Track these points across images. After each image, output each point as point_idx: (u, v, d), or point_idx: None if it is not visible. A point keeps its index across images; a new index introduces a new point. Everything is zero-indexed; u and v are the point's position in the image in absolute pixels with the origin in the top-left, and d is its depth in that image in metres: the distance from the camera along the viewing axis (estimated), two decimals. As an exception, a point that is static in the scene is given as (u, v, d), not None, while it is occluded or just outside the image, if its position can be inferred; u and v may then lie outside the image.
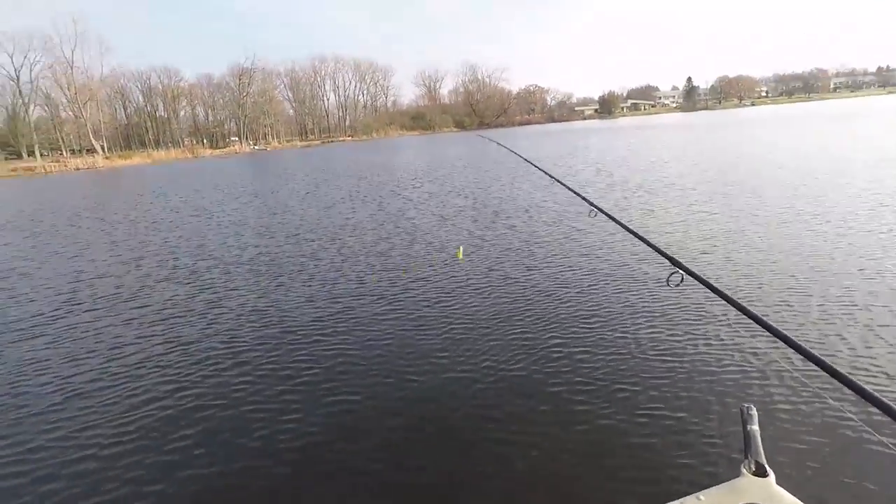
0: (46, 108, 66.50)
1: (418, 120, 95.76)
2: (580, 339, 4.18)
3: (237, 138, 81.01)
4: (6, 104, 64.34)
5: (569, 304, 4.97)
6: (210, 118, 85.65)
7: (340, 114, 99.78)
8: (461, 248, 4.37)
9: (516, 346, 4.14)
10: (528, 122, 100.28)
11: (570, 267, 6.19)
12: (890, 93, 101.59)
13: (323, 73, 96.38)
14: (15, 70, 62.55)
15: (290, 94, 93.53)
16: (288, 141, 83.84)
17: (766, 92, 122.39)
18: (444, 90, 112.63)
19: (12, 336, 5.32)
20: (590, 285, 5.47)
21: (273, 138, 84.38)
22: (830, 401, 2.93)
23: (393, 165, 25.45)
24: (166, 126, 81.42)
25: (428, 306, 5.23)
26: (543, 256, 6.72)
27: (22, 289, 7.22)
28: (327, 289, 6.12)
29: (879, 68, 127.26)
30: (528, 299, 5.18)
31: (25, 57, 62.38)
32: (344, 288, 6.08)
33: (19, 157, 61.47)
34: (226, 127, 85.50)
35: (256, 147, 75.36)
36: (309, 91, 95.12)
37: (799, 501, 1.23)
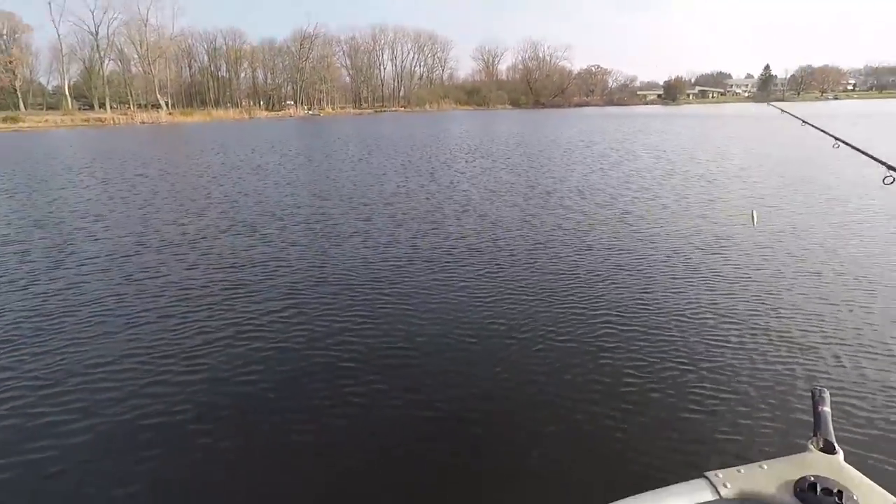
0: (119, 63, 69.86)
1: (473, 95, 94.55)
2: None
3: (292, 102, 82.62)
4: (84, 57, 68.07)
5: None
6: (269, 81, 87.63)
7: (395, 84, 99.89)
8: (755, 212, 4.26)
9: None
10: (586, 104, 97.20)
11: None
12: None
13: (382, 42, 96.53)
14: (94, 25, 65.91)
15: (348, 62, 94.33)
16: (341, 108, 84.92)
17: (854, 85, 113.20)
18: (503, 66, 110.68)
19: (90, 269, 5.69)
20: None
21: (327, 104, 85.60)
22: None
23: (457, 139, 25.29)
24: (227, 86, 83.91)
25: (482, 275, 5.24)
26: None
27: (96, 230, 7.69)
28: (385, 248, 6.24)
29: None
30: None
31: (105, 13, 65.56)
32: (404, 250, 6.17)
33: (91, 108, 65.13)
34: (283, 90, 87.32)
35: (310, 112, 76.72)
36: (367, 59, 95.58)
37: (867, 479, 1.19)
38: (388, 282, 5.11)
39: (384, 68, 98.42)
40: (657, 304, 4.43)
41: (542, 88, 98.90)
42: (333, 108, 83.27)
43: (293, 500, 2.36)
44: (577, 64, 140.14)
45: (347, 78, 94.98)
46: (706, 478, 1.26)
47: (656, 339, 3.77)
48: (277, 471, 2.52)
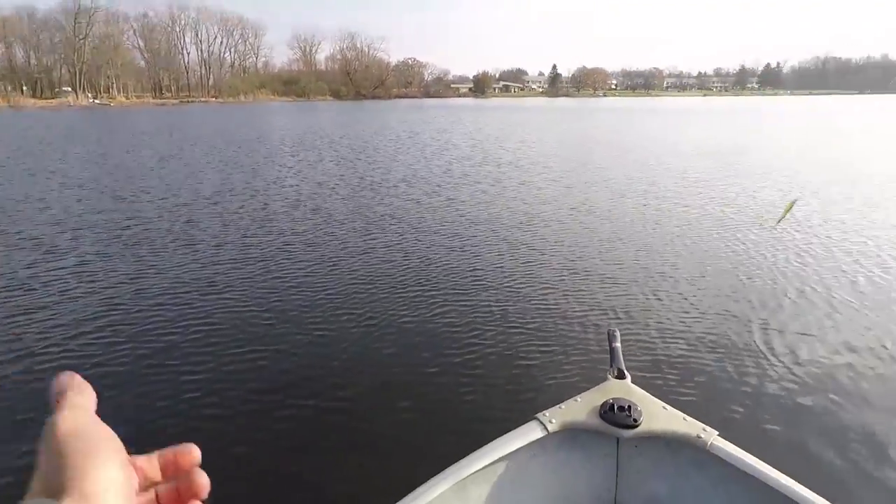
0: None
1: (291, 85, 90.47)
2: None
3: (70, 88, 69.36)
4: None
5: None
6: (32, 61, 72.01)
7: (203, 71, 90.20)
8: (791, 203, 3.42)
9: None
10: (405, 96, 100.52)
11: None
12: (706, 94, 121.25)
13: (183, 22, 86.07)
14: None
15: (142, 44, 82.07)
16: (138, 97, 73.94)
17: (615, 85, 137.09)
18: (321, 56, 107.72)
19: None
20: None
21: (119, 92, 73.74)
22: (678, 319, 4.05)
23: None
24: (-33, 66, 66.61)
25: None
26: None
27: None
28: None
29: (700, 73, 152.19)
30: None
31: None
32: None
33: None
34: (55, 74, 72.62)
35: (97, 101, 65.30)
36: (165, 41, 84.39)
37: (648, 394, 1.59)
38: (222, 284, 4.91)
39: (188, 53, 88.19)
40: (481, 279, 4.96)
41: (362, 80, 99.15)
42: (128, 97, 72.00)
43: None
44: (393, 56, 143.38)
45: (143, 62, 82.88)
46: (536, 419, 1.53)
47: (483, 311, 4.24)
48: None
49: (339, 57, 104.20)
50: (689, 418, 1.49)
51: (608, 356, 1.78)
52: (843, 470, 2.44)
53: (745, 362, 3.40)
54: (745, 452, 1.39)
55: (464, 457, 1.42)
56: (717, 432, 1.44)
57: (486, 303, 4.43)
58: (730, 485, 1.38)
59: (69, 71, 71.61)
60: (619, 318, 4.08)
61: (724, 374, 3.27)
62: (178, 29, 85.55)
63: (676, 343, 3.68)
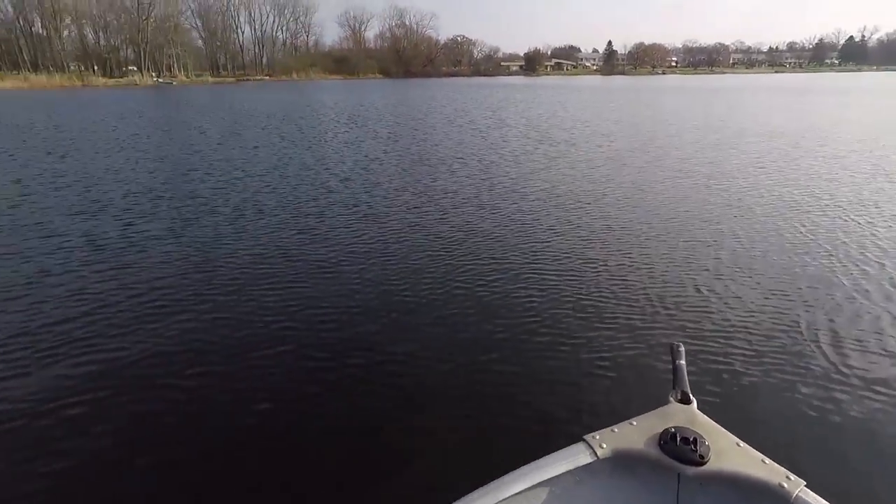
0: None
1: (342, 63, 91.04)
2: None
3: (136, 68, 72.49)
4: None
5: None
6: (102, 42, 75.56)
7: (257, 50, 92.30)
8: None
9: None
10: (455, 74, 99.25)
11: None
12: (777, 71, 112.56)
13: (237, 2, 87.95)
14: None
15: (199, 23, 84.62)
16: (198, 76, 76.45)
17: (676, 62, 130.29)
18: (370, 34, 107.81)
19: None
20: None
21: (180, 71, 76.53)
22: (752, 335, 3.44)
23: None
24: (45, 46, 70.61)
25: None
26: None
27: None
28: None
29: (770, 49, 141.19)
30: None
31: None
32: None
33: None
34: (122, 54, 76.01)
35: (160, 80, 68.01)
36: (221, 21, 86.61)
37: (716, 424, 1.41)
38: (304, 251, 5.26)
39: (242, 32, 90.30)
40: (529, 275, 4.54)
41: (411, 58, 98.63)
42: (188, 76, 74.66)
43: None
44: (443, 34, 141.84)
45: (200, 42, 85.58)
46: (584, 441, 1.38)
47: (526, 309, 3.88)
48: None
49: (388, 35, 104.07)
50: (769, 461, 1.28)
51: (670, 375, 1.60)
52: None
53: (845, 398, 2.79)
54: None
55: (501, 475, 1.30)
56: (804, 482, 1.23)
57: (532, 301, 4.04)
58: None
59: (134, 50, 74.74)
60: (685, 330, 3.51)
61: (817, 411, 2.69)
62: (232, 8, 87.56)
63: (756, 365, 3.09)
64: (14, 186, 8.50)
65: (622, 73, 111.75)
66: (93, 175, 9.42)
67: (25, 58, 66.96)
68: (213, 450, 2.54)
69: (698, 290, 4.19)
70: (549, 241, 5.53)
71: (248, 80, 75.44)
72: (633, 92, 40.91)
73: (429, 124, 17.35)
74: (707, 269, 4.66)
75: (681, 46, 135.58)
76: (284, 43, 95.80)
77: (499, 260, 4.98)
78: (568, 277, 4.53)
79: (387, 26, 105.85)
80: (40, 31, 70.55)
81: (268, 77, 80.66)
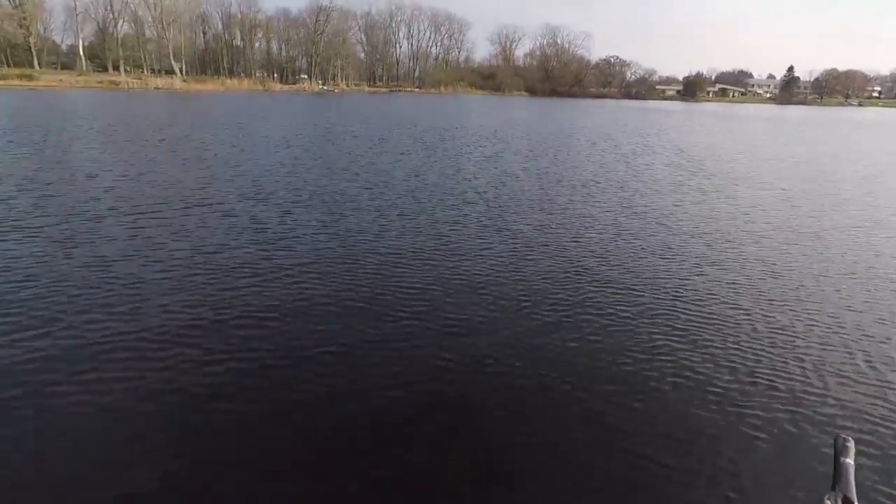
0: (133, 25, 68.58)
1: (489, 79, 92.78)
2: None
3: (306, 76, 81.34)
4: (98, 17, 66.88)
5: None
6: (283, 53, 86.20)
7: (411, 64, 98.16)
8: None
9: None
10: (604, 96, 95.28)
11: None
12: None
13: (399, 19, 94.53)
14: (108, -16, 64.47)
15: (364, 38, 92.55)
16: (356, 85, 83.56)
17: (879, 92, 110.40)
18: (520, 52, 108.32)
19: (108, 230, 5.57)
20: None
21: (342, 80, 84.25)
22: None
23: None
24: (241, 56, 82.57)
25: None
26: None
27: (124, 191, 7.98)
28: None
29: None
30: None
31: (118, -29, 63.99)
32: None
33: (105, 70, 64.16)
34: (297, 63, 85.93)
35: (325, 87, 75.41)
36: (382, 37, 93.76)
37: None
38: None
39: (399, 47, 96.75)
40: (663, 315, 4.15)
41: (559, 77, 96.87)
42: (348, 85, 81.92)
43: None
44: (595, 54, 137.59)
45: (362, 55, 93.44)
46: None
47: (656, 356, 3.51)
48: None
49: (538, 53, 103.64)
50: None
51: (830, 473, 1.29)
52: None
53: None
54: None
55: None
56: None
57: (663, 342, 3.66)
58: None
59: (307, 61, 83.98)
60: (853, 422, 2.85)
61: None
62: (394, 25, 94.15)
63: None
64: (206, 172, 10.04)
65: (802, 102, 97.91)
66: (264, 167, 10.74)
67: (225, 65, 78.89)
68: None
69: (882, 376, 3.31)
70: (691, 281, 4.92)
71: (400, 90, 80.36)
72: (816, 126, 35.13)
73: (569, 145, 16.55)
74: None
75: (888, 74, 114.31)
76: (437, 58, 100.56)
77: (630, 293, 4.55)
78: (711, 326, 3.95)
79: (537, 45, 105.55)
80: (239, 44, 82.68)
81: (418, 89, 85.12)
